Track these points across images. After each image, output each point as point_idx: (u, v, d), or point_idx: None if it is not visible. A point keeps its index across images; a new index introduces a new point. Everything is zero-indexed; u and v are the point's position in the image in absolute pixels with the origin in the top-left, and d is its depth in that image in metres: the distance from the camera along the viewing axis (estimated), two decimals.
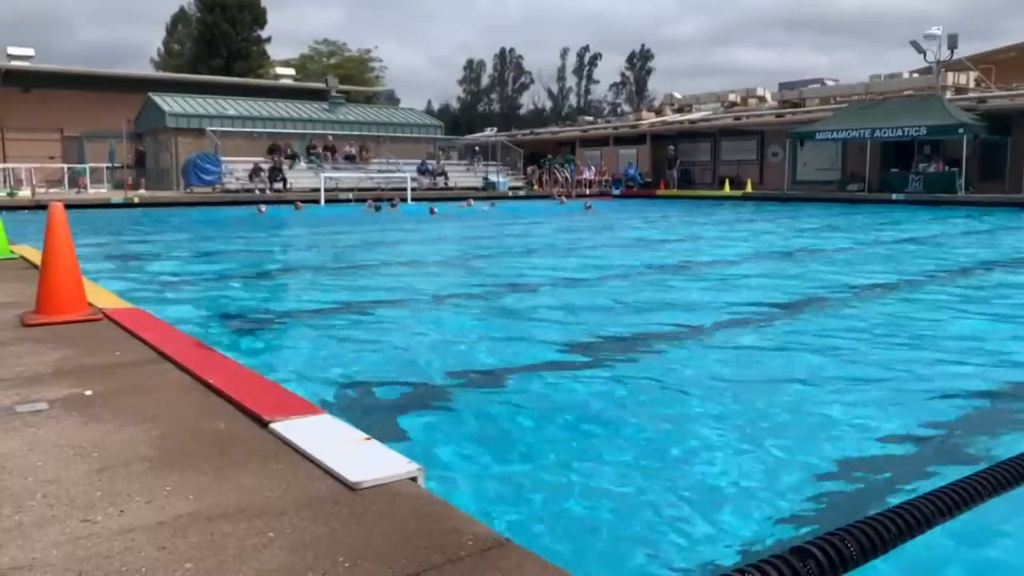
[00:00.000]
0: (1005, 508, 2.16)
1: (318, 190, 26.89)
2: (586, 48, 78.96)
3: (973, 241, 13.83)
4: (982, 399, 4.27)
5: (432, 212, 21.74)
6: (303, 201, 24.84)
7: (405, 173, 30.55)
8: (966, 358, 5.14)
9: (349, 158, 32.36)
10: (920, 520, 1.41)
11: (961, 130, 24.55)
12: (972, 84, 30.34)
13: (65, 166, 30.45)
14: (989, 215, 19.77)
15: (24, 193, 25.59)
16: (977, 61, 31.45)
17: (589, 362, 5.04)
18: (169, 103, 31.01)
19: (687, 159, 34.85)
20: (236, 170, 28.73)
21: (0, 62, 34.13)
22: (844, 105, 30.94)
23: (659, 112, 43.36)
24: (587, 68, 79.28)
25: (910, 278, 9.05)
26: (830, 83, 36.56)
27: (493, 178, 34.48)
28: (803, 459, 3.34)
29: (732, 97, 39.32)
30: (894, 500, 2.38)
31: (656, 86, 76.46)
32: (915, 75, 32.01)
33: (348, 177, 30.13)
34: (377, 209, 23.72)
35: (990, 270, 9.57)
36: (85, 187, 28.14)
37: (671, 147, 34.56)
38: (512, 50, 79.94)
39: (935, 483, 1.88)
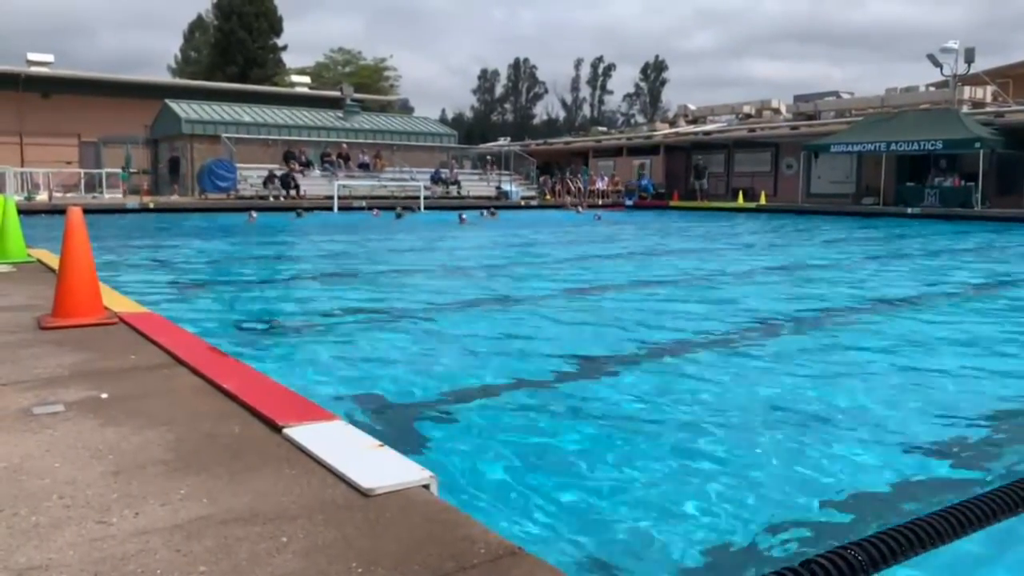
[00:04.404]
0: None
1: (331, 197, 27.04)
2: (600, 59, 79.42)
3: None
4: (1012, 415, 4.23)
5: (462, 220, 21.71)
6: (307, 208, 24.95)
7: (418, 181, 30.67)
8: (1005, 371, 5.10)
9: (363, 166, 32.50)
10: (932, 536, 1.40)
11: (978, 144, 24.41)
12: (989, 98, 30.18)
13: (82, 171, 30.74)
14: None
15: (41, 197, 25.84)
16: (994, 75, 31.29)
17: (608, 371, 5.02)
18: (185, 109, 31.26)
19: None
20: (251, 176, 28.91)
21: (20, 68, 34.54)
22: (859, 118, 30.83)
23: (673, 123, 43.35)
24: (601, 79, 79.58)
25: None
26: (845, 96, 36.46)
27: (506, 187, 34.55)
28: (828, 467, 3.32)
29: (747, 109, 39.27)
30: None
31: (670, 97, 76.76)
32: (931, 89, 31.88)
33: (362, 185, 30.27)
34: (398, 216, 23.82)
35: None
36: (103, 190, 28.40)
37: (699, 158, 34.42)
38: (526, 60, 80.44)
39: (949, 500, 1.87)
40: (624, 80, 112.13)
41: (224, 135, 30.16)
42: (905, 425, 3.97)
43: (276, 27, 51.93)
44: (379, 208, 26.27)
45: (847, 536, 2.35)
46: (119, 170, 29.76)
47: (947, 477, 3.34)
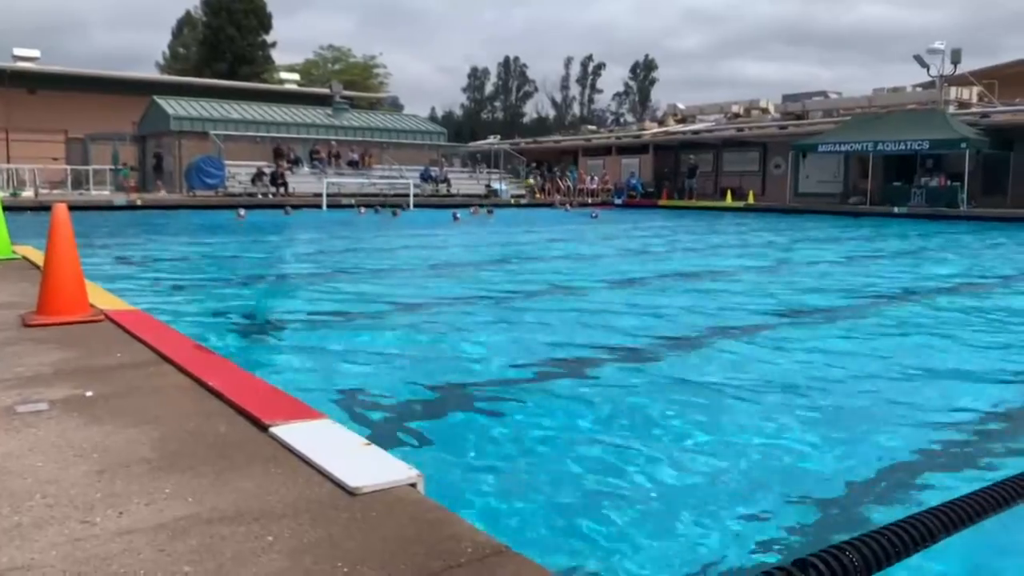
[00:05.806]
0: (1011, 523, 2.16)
1: (320, 195, 26.97)
2: (590, 58, 79.38)
3: None
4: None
5: (455, 219, 21.64)
6: (295, 206, 24.91)
7: (408, 179, 30.63)
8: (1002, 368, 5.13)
9: (352, 164, 32.42)
10: (924, 535, 1.41)
11: (964, 144, 24.58)
12: (975, 99, 30.38)
13: (68, 167, 30.53)
14: None
15: (27, 194, 25.64)
16: (980, 76, 31.49)
17: (598, 369, 5.03)
18: (173, 106, 31.09)
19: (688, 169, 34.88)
20: (239, 174, 28.79)
21: (6, 63, 34.26)
22: (847, 118, 30.99)
23: (662, 122, 43.44)
24: (591, 78, 79.64)
25: None
26: (833, 96, 36.61)
27: (495, 185, 34.57)
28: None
29: (735, 108, 39.37)
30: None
31: (659, 97, 76.76)
32: (918, 89, 32.07)
33: (351, 183, 30.20)
34: (394, 214, 23.86)
35: None
36: (90, 186, 28.21)
37: (691, 157, 34.44)
38: (516, 59, 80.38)
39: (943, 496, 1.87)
40: (614, 79, 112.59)
41: (212, 132, 30.01)
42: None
43: (265, 24, 51.67)
44: (365, 206, 26.21)
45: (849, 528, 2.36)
46: (119, 167, 29.61)
47: None
